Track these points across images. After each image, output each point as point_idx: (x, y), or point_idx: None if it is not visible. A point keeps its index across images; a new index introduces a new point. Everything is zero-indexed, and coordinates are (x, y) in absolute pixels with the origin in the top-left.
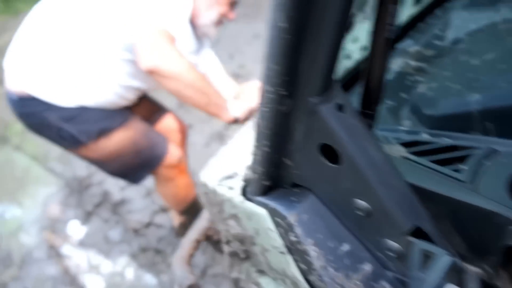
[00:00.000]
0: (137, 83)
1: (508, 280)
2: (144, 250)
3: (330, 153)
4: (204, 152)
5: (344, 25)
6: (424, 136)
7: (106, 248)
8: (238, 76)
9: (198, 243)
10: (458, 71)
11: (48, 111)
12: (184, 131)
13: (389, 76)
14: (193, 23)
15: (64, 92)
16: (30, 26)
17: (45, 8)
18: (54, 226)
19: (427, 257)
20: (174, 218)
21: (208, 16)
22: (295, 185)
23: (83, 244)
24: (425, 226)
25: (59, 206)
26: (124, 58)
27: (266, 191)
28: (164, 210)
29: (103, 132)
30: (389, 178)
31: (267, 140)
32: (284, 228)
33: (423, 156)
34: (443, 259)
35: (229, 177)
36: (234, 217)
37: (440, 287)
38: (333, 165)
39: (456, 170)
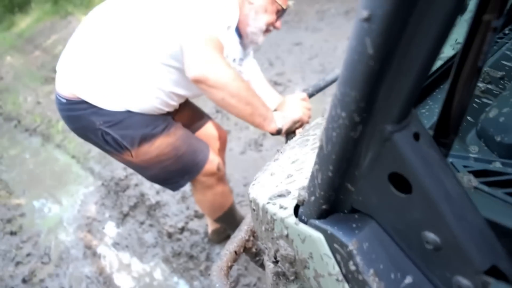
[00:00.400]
0: (181, 91)
1: None
2: (177, 255)
3: (399, 181)
4: (240, 159)
5: (436, 56)
6: (497, 166)
7: (140, 251)
8: (277, 84)
9: (236, 255)
10: None
11: (95, 115)
12: (224, 139)
13: None
14: (240, 31)
15: (110, 97)
16: (83, 31)
17: (98, 14)
18: (91, 226)
19: None
20: (209, 225)
21: (256, 25)
22: (354, 211)
23: (117, 245)
24: (502, 265)
25: (96, 206)
26: (171, 65)
27: (323, 214)
28: (198, 216)
29: (146, 138)
30: (464, 212)
31: (332, 164)
32: (343, 256)
33: (496, 187)
34: None
35: (281, 195)
36: (286, 238)
37: None
38: (403, 195)
39: None
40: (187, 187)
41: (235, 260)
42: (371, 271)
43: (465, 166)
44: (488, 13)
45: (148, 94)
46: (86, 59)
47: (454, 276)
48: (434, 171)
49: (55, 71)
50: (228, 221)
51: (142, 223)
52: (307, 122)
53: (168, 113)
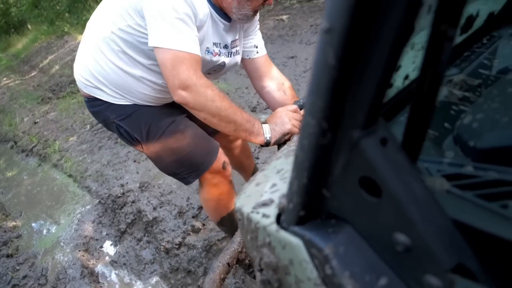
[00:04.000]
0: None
1: None
2: (175, 270)
3: (370, 186)
4: (235, 173)
5: (394, 65)
6: (469, 169)
7: (138, 268)
8: None
9: (230, 266)
10: (507, 103)
11: (108, 110)
12: (244, 143)
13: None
14: (226, 13)
15: (115, 92)
16: (86, 33)
17: (96, 15)
18: (88, 245)
19: None
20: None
21: (240, 12)
22: (331, 216)
23: (115, 263)
24: (469, 263)
25: (93, 224)
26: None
27: (301, 221)
28: (195, 230)
29: (152, 131)
30: (431, 213)
31: (306, 171)
32: (320, 260)
33: (467, 190)
34: None
35: (265, 204)
36: (268, 245)
37: None
38: (374, 198)
39: (504, 206)
40: (184, 202)
41: (228, 272)
42: (347, 273)
43: (439, 170)
44: (444, 23)
45: (146, 87)
46: (87, 58)
47: (424, 275)
48: (402, 175)
49: (51, 91)
50: (231, 225)
51: (139, 240)
52: (297, 134)
53: (182, 110)
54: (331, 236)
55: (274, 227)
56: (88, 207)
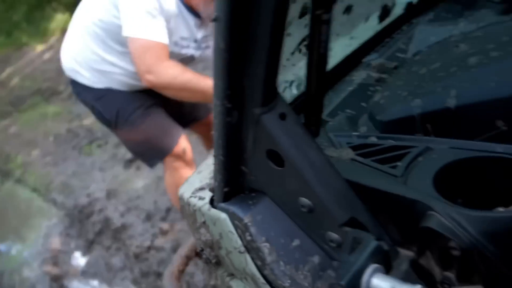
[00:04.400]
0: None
1: (431, 258)
2: (145, 274)
3: (276, 157)
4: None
5: (279, 47)
6: (372, 139)
7: (108, 276)
8: None
9: (188, 259)
10: (408, 80)
11: (85, 92)
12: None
13: (352, 87)
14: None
15: (95, 75)
16: (72, 22)
17: (82, 5)
18: (57, 258)
19: (359, 243)
20: None
21: (208, 11)
22: (252, 190)
23: (85, 273)
24: (360, 217)
25: (60, 237)
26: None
27: (227, 197)
28: (163, 233)
29: (122, 114)
30: (327, 177)
31: (221, 149)
32: (241, 229)
33: (368, 157)
34: (370, 244)
35: (202, 188)
36: (204, 224)
37: (364, 267)
38: (279, 168)
39: (393, 167)
40: (151, 206)
41: (186, 264)
42: (263, 238)
43: (348, 143)
44: (319, 9)
45: (120, 73)
46: (72, 44)
47: (326, 232)
48: (299, 145)
49: (12, 105)
50: None
51: (108, 248)
52: None
53: (152, 97)
54: (251, 207)
55: (207, 206)
56: (55, 220)
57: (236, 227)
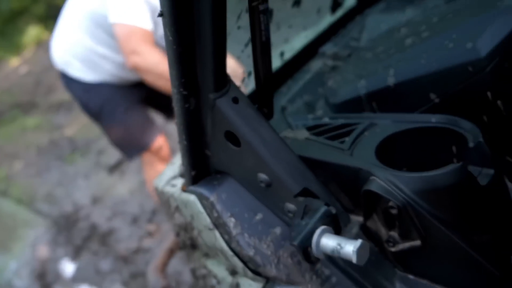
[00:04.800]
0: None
1: (377, 220)
2: (134, 276)
3: (233, 138)
4: None
5: (223, 36)
6: (325, 120)
7: (98, 280)
8: None
9: (171, 252)
10: (356, 65)
11: (74, 84)
12: None
13: (310, 75)
14: None
15: (83, 66)
16: (63, 15)
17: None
18: (45, 267)
19: (310, 209)
20: None
21: None
22: (219, 172)
23: (75, 280)
24: (312, 187)
25: (48, 246)
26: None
27: (195, 180)
28: (150, 233)
29: (106, 108)
30: (280, 152)
31: (183, 134)
32: (209, 208)
33: (321, 135)
34: (320, 209)
35: (174, 177)
36: (177, 209)
37: (314, 229)
38: (237, 148)
39: (342, 142)
40: (137, 209)
41: (170, 257)
42: (229, 214)
43: (304, 124)
44: (255, 0)
45: (108, 64)
46: (63, 36)
47: (284, 204)
48: (252, 125)
49: None
50: None
51: (96, 252)
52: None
53: (138, 96)
54: (216, 187)
55: (178, 192)
56: (41, 230)
57: (204, 206)
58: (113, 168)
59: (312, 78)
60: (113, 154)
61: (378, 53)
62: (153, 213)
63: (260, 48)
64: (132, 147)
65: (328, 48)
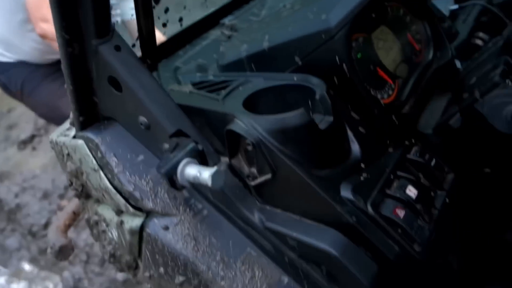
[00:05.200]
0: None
1: (241, 158)
2: (43, 252)
3: (115, 83)
4: None
5: None
6: (209, 77)
7: (4, 258)
8: None
9: (75, 214)
10: (245, 33)
11: None
12: None
13: (207, 42)
14: None
15: (1, 48)
16: None
17: None
18: None
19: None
20: None
21: None
22: (107, 119)
23: None
24: (185, 128)
25: None
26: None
27: (83, 126)
28: (61, 209)
29: (27, 85)
30: (157, 97)
31: (69, 79)
32: (94, 150)
33: (203, 89)
34: (188, 145)
35: (69, 128)
36: (68, 156)
37: (180, 160)
38: (119, 93)
39: (218, 94)
40: (49, 184)
41: (74, 220)
42: (112, 154)
43: (191, 81)
44: None
45: (25, 45)
46: None
47: (162, 144)
48: (133, 71)
49: None
50: None
51: (3, 229)
52: None
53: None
54: (102, 131)
55: (68, 139)
56: None
57: (90, 149)
58: (24, 144)
59: (209, 44)
60: (25, 129)
61: (262, 24)
62: (66, 189)
63: (142, 3)
64: (61, 119)
65: (228, 20)
